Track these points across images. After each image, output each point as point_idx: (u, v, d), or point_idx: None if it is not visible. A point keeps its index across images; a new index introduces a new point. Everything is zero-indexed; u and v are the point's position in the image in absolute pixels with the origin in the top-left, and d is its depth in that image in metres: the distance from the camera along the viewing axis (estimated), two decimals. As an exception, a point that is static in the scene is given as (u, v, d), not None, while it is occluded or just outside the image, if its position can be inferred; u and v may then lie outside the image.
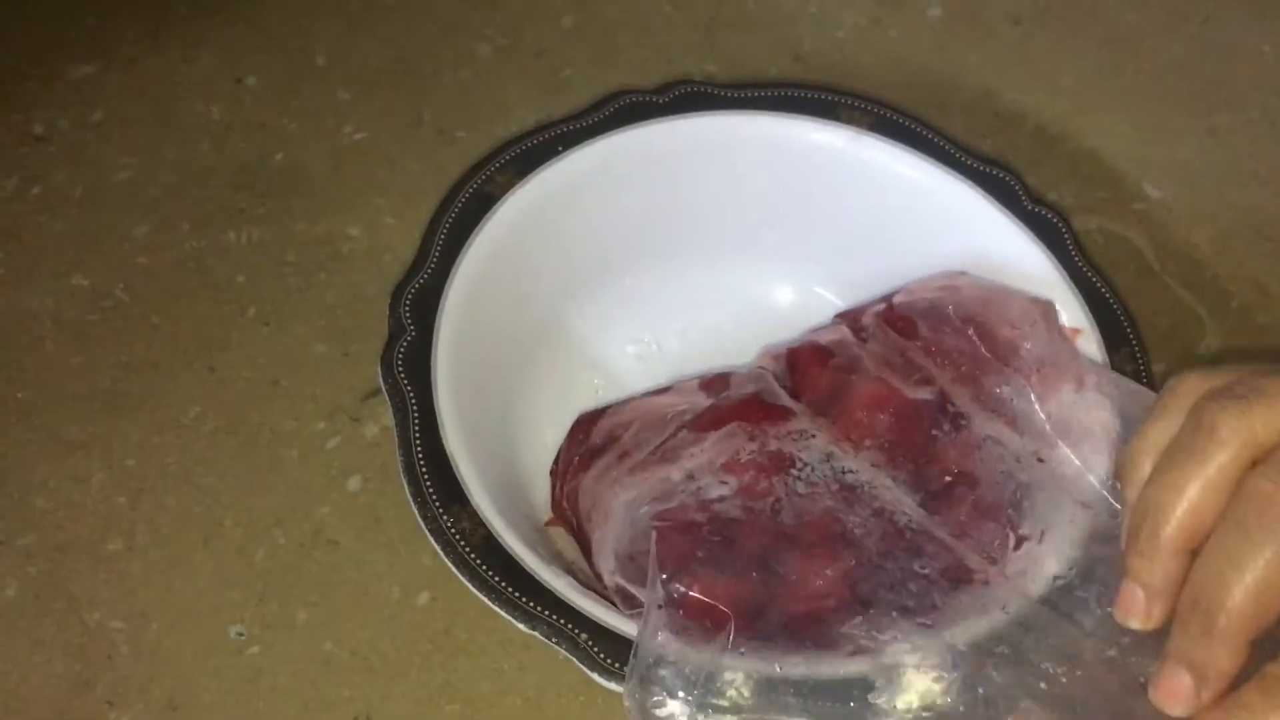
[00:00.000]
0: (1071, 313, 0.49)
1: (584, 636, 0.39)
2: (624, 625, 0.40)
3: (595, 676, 0.39)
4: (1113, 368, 0.47)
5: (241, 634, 0.49)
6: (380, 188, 0.62)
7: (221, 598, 0.50)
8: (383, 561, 0.51)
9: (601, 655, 0.39)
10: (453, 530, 0.41)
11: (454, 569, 0.40)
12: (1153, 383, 0.46)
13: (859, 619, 0.39)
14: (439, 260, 0.48)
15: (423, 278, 0.47)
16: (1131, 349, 0.48)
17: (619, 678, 0.38)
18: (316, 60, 0.68)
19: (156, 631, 0.49)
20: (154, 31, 0.68)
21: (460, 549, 0.41)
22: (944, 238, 0.51)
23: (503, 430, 0.48)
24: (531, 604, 0.40)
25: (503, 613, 0.40)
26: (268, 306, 0.58)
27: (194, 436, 0.54)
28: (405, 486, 0.41)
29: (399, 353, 0.45)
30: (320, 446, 0.54)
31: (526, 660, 0.49)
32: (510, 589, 0.40)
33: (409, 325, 0.46)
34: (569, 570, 0.42)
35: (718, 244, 0.55)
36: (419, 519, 0.41)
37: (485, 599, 0.40)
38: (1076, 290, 0.49)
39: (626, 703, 0.37)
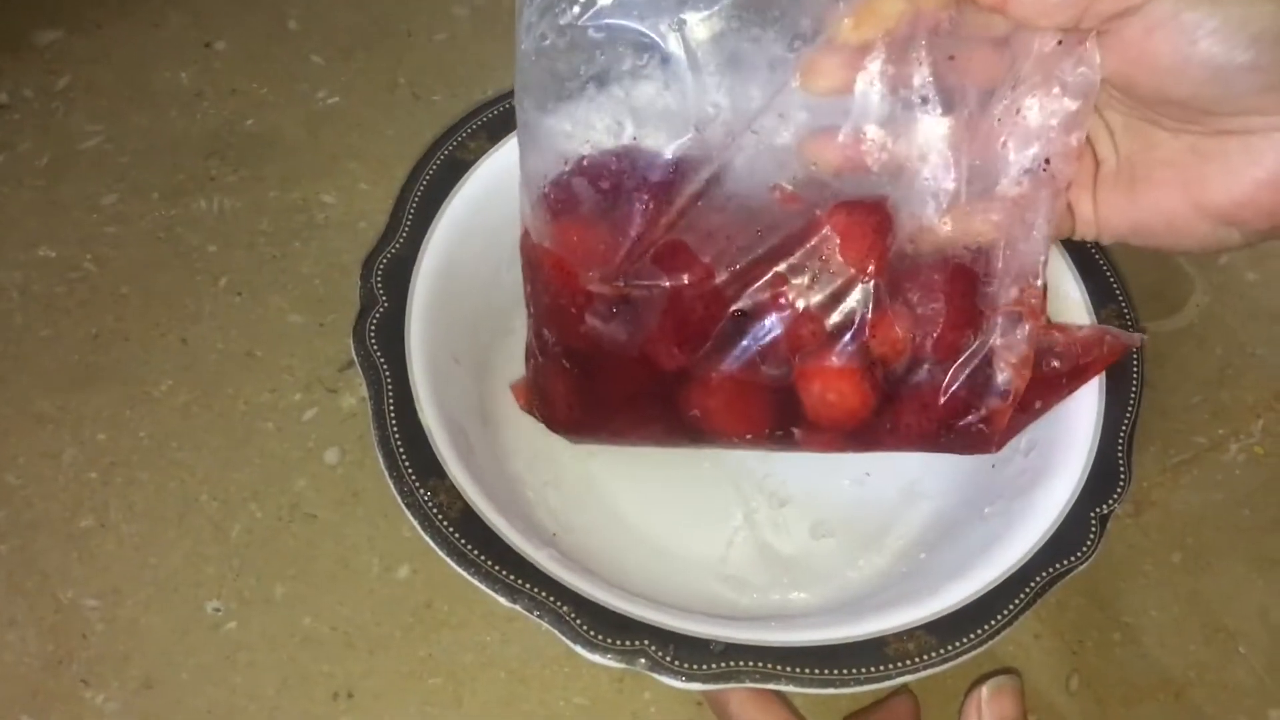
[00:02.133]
0: (1057, 269, 0.48)
1: (566, 609, 0.38)
2: (606, 597, 0.39)
3: (578, 649, 0.38)
4: (1099, 322, 0.46)
5: (218, 610, 0.49)
6: (355, 154, 0.61)
7: (198, 573, 0.49)
8: (362, 535, 0.50)
9: (584, 627, 0.38)
10: (430, 504, 0.40)
11: (432, 544, 0.39)
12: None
13: None
14: (411, 229, 0.46)
15: (394, 247, 0.46)
16: (1119, 306, 0.47)
17: (602, 649, 0.38)
18: (288, 24, 0.66)
19: (131, 608, 0.48)
20: (120, -5, 0.66)
21: (438, 523, 0.40)
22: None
23: (479, 401, 0.47)
24: (512, 577, 0.39)
25: (483, 587, 0.39)
26: (241, 276, 0.57)
27: (167, 410, 0.53)
28: (380, 460, 0.40)
29: (371, 324, 0.44)
30: (297, 418, 0.53)
31: (510, 632, 0.48)
32: (490, 563, 0.39)
33: (381, 296, 0.44)
34: (550, 542, 0.41)
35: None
36: (395, 494, 0.40)
37: (465, 573, 0.39)
38: (1062, 246, 0.48)
39: None
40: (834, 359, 0.41)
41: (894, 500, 0.48)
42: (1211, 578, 0.51)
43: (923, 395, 0.42)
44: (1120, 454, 0.43)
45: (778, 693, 0.39)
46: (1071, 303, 0.47)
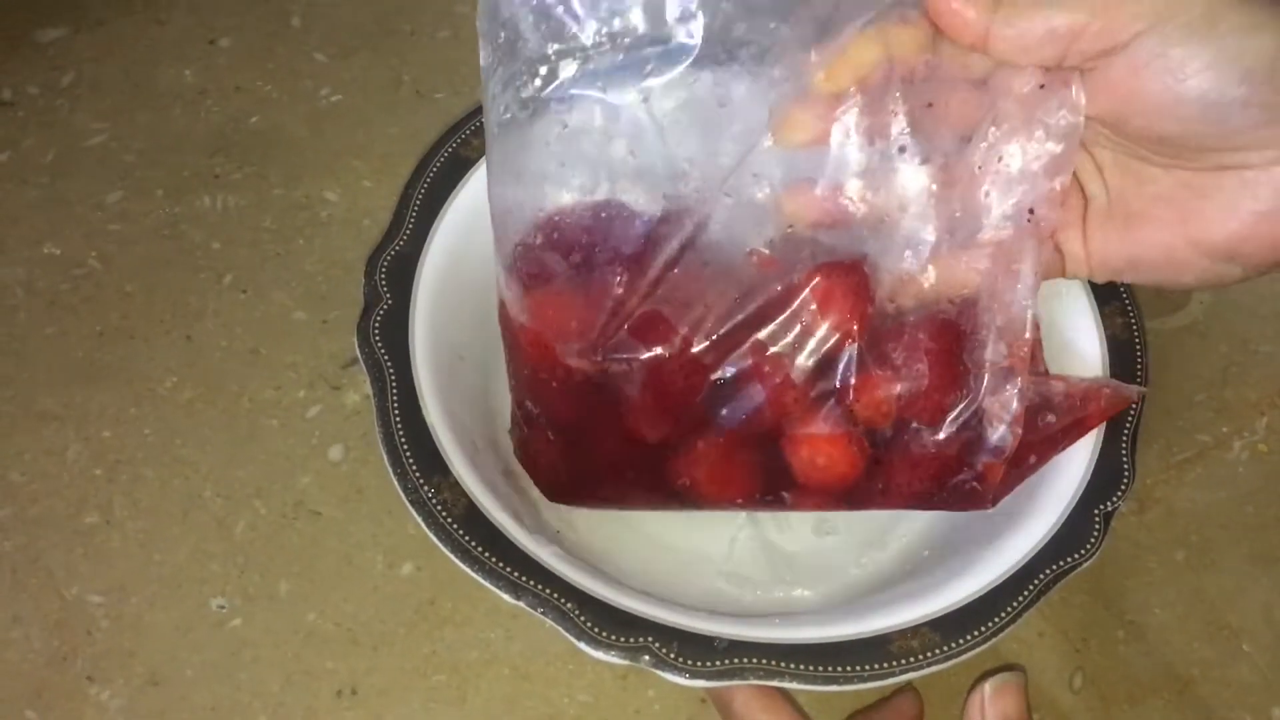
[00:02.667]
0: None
1: (570, 606, 0.38)
2: (610, 594, 0.39)
3: (582, 645, 0.38)
4: (1102, 320, 0.46)
5: (223, 606, 0.49)
6: (359, 151, 0.61)
7: (202, 570, 0.49)
8: (366, 531, 0.50)
9: (589, 624, 0.38)
10: (434, 502, 0.40)
11: (436, 541, 0.39)
12: (1144, 338, 0.46)
13: None
14: (414, 226, 0.46)
15: (398, 244, 0.46)
16: (1122, 303, 0.47)
17: (606, 646, 0.38)
18: (292, 21, 0.66)
19: (136, 605, 0.48)
20: (124, -7, 0.67)
21: (442, 520, 0.40)
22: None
23: (484, 399, 0.47)
24: (516, 574, 0.39)
25: (487, 584, 0.39)
26: (245, 273, 0.57)
27: (171, 407, 0.53)
28: (385, 458, 0.40)
29: (375, 322, 0.44)
30: (301, 415, 0.53)
31: (514, 629, 0.49)
32: (494, 560, 0.39)
33: (385, 293, 0.44)
34: (554, 539, 0.41)
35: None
36: (399, 491, 0.40)
37: (469, 570, 0.39)
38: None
39: None
40: (820, 425, 0.40)
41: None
42: (1215, 575, 0.51)
43: (912, 456, 0.41)
44: (1124, 452, 0.43)
45: (782, 691, 0.39)
46: (1073, 299, 0.47)
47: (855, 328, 0.39)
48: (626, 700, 0.48)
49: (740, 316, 0.39)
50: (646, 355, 0.40)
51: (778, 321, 0.39)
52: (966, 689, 0.39)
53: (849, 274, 0.39)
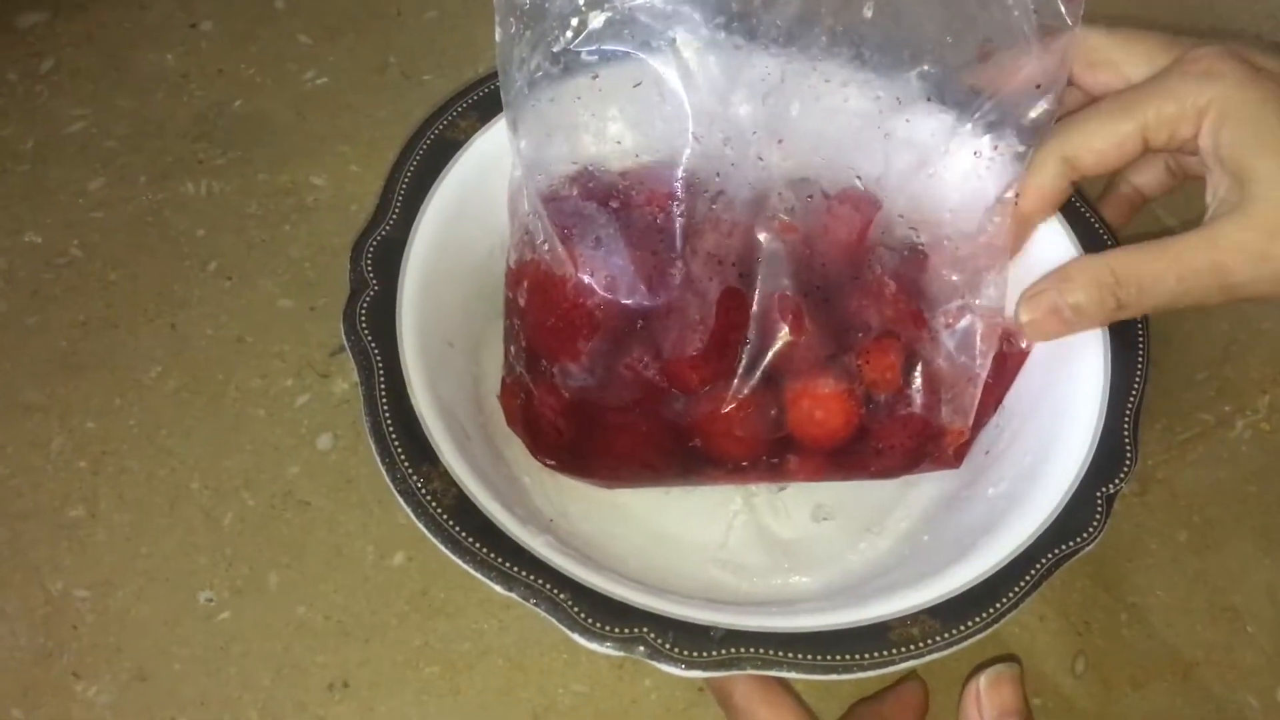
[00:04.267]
0: (1054, 234, 0.46)
1: (563, 596, 0.38)
2: (604, 584, 0.38)
3: (576, 637, 0.37)
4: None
5: (211, 599, 0.48)
6: (345, 135, 0.60)
7: (190, 562, 0.48)
8: (356, 521, 0.50)
9: (582, 615, 0.37)
10: (423, 492, 0.39)
11: (426, 532, 0.38)
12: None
13: None
14: (401, 211, 0.45)
15: (385, 229, 0.45)
16: None
17: (600, 637, 0.37)
18: (275, 3, 0.65)
19: (123, 599, 0.48)
20: (104, -24, 0.65)
21: (432, 511, 0.39)
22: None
23: (473, 385, 0.46)
24: (508, 565, 0.38)
25: (479, 575, 0.38)
26: (230, 260, 0.56)
27: (156, 397, 0.52)
28: (373, 447, 0.39)
29: (362, 308, 0.43)
30: (289, 404, 0.52)
31: (507, 620, 0.48)
32: (485, 550, 0.38)
33: (371, 280, 0.43)
34: (547, 529, 0.41)
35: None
36: (388, 481, 0.39)
37: (460, 562, 0.38)
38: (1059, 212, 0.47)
39: None
40: (827, 380, 0.43)
41: (894, 483, 0.48)
42: (1218, 556, 0.51)
43: (899, 416, 0.44)
44: (1126, 433, 0.42)
45: (782, 682, 0.39)
46: (1063, 254, 0.46)
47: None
48: (623, 691, 0.47)
49: (764, 276, 0.43)
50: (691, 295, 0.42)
51: (798, 280, 0.43)
52: (969, 675, 0.38)
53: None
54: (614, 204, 0.44)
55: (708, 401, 0.43)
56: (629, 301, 0.43)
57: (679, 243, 0.43)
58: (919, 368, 0.44)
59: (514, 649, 0.47)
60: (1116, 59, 0.43)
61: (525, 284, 0.44)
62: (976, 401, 0.44)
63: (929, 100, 0.45)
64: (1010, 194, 0.43)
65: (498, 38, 0.42)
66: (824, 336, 0.43)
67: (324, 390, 0.53)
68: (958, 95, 0.44)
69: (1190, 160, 0.44)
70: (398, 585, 0.48)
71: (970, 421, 0.45)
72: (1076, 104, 0.45)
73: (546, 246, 0.43)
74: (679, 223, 0.43)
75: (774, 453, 0.45)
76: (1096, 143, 0.42)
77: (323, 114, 0.61)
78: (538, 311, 0.44)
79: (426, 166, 0.46)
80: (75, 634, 0.47)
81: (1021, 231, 0.44)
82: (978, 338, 0.44)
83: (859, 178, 0.45)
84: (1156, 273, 0.40)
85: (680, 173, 0.43)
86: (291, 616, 0.48)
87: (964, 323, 0.44)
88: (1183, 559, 0.50)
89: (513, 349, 0.45)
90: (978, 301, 0.44)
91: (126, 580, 0.48)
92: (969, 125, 0.44)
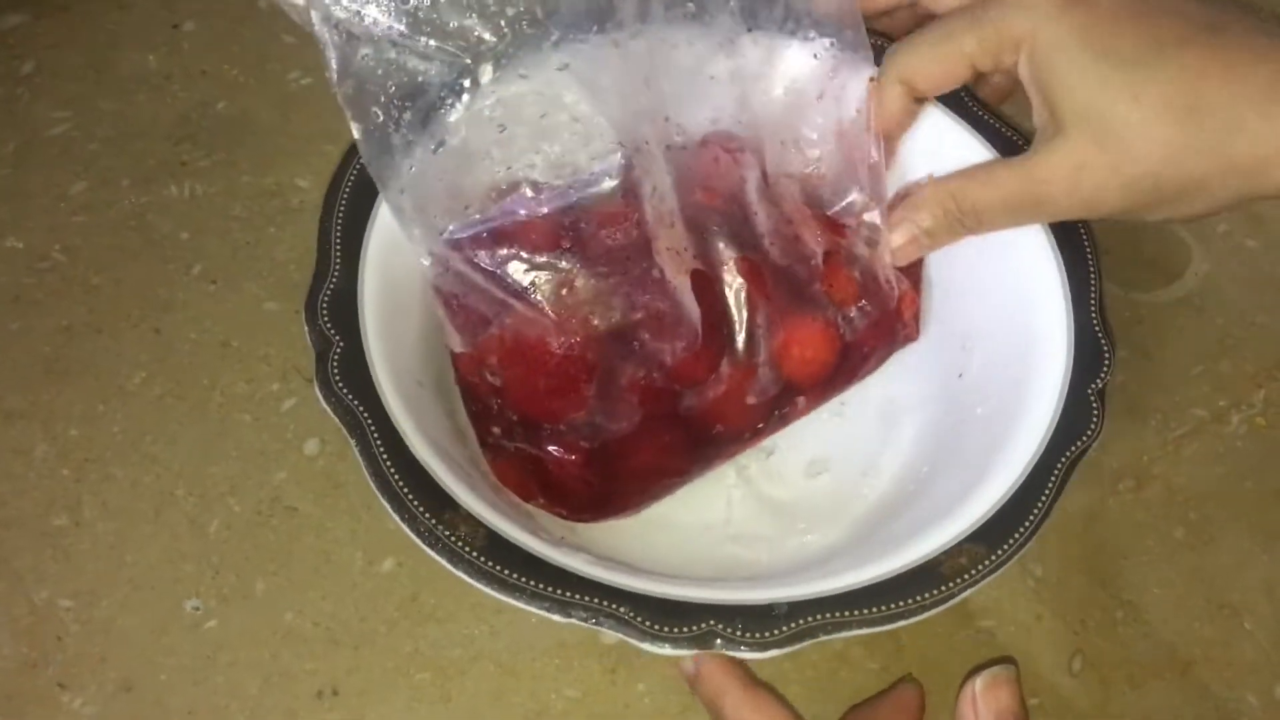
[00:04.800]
0: (1035, 235, 0.47)
1: (624, 610, 0.37)
2: (657, 587, 0.38)
3: (647, 646, 0.36)
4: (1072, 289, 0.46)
5: (198, 608, 0.47)
6: (330, 135, 0.59)
7: (175, 571, 0.48)
8: (344, 528, 0.49)
9: (647, 623, 0.37)
10: (453, 539, 0.38)
11: (466, 577, 0.37)
12: (1102, 302, 0.45)
13: None
14: (342, 260, 0.44)
15: (333, 282, 0.43)
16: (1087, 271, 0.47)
17: (673, 641, 0.36)
18: (258, 2, 0.64)
19: (108, 608, 0.47)
20: (84, -23, 0.65)
21: (469, 556, 0.38)
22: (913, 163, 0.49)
23: (449, 419, 0.44)
24: (559, 592, 0.37)
25: (533, 609, 0.37)
26: (214, 264, 0.55)
27: (141, 403, 0.52)
28: (386, 506, 0.39)
29: (333, 368, 0.42)
30: (275, 409, 0.52)
31: (498, 625, 0.47)
32: (533, 583, 0.37)
33: (334, 336, 0.42)
34: (579, 548, 0.40)
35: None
36: (412, 535, 0.38)
37: (510, 599, 0.37)
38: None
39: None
40: (804, 319, 0.45)
41: (875, 423, 0.49)
42: (1215, 553, 0.50)
43: (870, 317, 0.46)
44: (1097, 326, 0.44)
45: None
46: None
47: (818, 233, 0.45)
48: (615, 695, 0.46)
49: (720, 243, 0.44)
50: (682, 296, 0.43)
51: (755, 236, 0.45)
52: (965, 677, 0.38)
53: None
54: (565, 243, 0.43)
55: (713, 385, 0.44)
56: (618, 325, 0.43)
57: (651, 248, 0.43)
58: (858, 267, 0.46)
59: (506, 654, 0.47)
60: None
61: (495, 360, 0.43)
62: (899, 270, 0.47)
63: (749, 31, 0.46)
64: (858, 84, 0.45)
65: (357, 134, 0.42)
66: (782, 280, 0.45)
67: (310, 395, 0.51)
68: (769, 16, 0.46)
69: None
70: (387, 591, 0.48)
71: (910, 285, 0.47)
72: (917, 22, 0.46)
73: (508, 318, 0.43)
74: (644, 230, 0.43)
75: (780, 404, 0.46)
76: (927, 67, 0.43)
77: (307, 114, 0.60)
78: (523, 382, 0.43)
79: (354, 210, 0.46)
80: (60, 644, 0.46)
81: (890, 148, 0.46)
82: (880, 220, 0.46)
83: (740, 122, 0.46)
84: (988, 201, 0.42)
85: (618, 184, 0.44)
86: (279, 624, 0.47)
87: (869, 215, 0.46)
88: (1179, 556, 0.50)
89: (497, 429, 0.44)
90: (866, 192, 0.46)
91: (111, 589, 0.47)
92: (790, 40, 0.46)
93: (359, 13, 0.40)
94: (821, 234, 0.46)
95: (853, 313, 0.46)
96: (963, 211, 0.43)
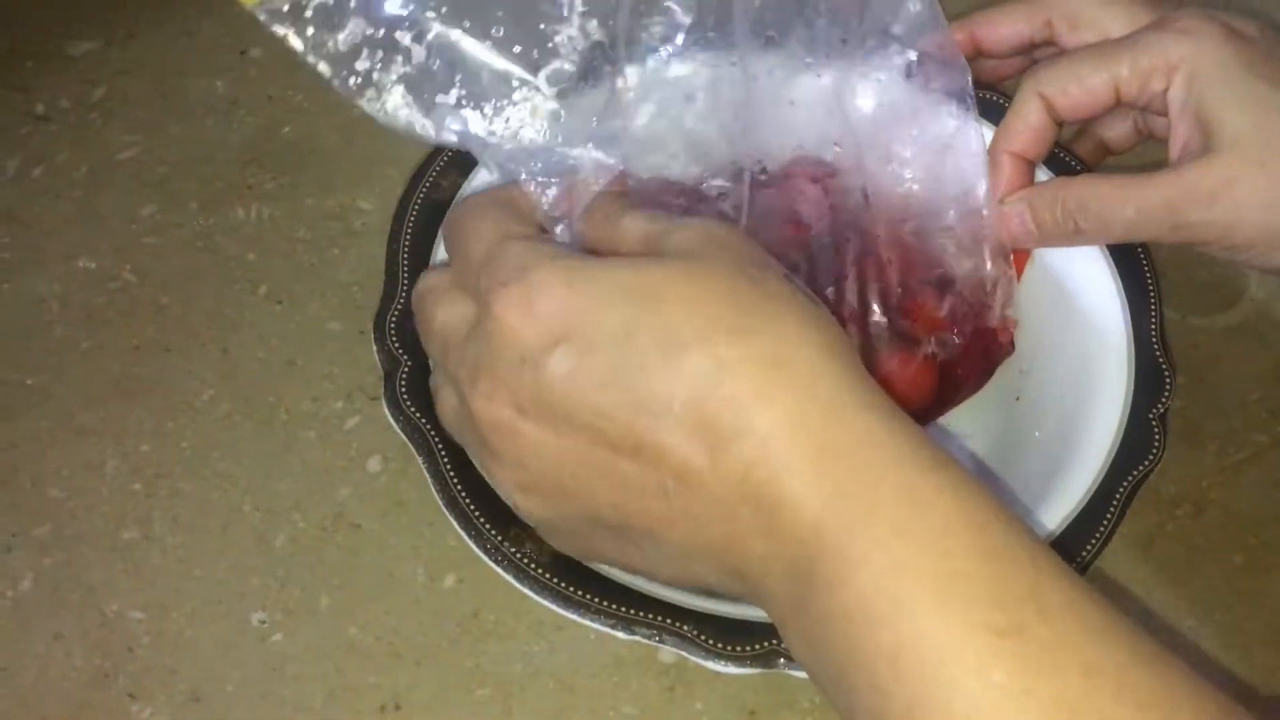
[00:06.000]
0: (1095, 260, 0.47)
1: (687, 628, 0.38)
2: (718, 606, 0.38)
3: (711, 664, 0.37)
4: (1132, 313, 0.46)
5: (264, 621, 0.48)
6: (392, 159, 0.61)
7: (242, 584, 0.49)
8: (406, 544, 0.50)
9: (711, 641, 0.37)
10: (518, 555, 0.39)
11: (532, 594, 0.38)
12: (1163, 327, 0.46)
13: None
14: (409, 281, 0.45)
15: (400, 303, 0.45)
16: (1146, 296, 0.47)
17: (737, 659, 0.37)
18: (322, 30, 0.66)
19: (177, 621, 0.48)
20: (154, 4, 0.66)
21: (534, 573, 0.39)
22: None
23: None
24: (624, 609, 0.38)
25: (599, 626, 0.38)
26: (280, 284, 0.57)
27: (208, 420, 0.53)
28: (454, 522, 0.40)
29: (401, 387, 0.43)
30: (339, 427, 0.53)
31: (557, 641, 0.48)
32: (598, 600, 0.38)
33: (401, 355, 0.44)
34: None
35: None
36: (478, 552, 0.39)
37: (577, 616, 0.38)
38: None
39: None
40: (891, 358, 0.44)
41: None
42: (1276, 579, 0.50)
43: (964, 345, 0.45)
44: (1158, 351, 0.44)
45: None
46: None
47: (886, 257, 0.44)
48: (672, 712, 0.47)
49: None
50: None
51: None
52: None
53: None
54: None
55: None
56: None
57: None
58: (949, 296, 0.46)
59: (565, 671, 0.47)
60: (1100, 18, 0.45)
61: None
62: (1009, 287, 0.46)
63: (842, 43, 0.46)
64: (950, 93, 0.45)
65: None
66: (870, 314, 0.45)
67: (374, 413, 0.53)
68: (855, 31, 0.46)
69: (1157, 121, 0.46)
70: (448, 607, 0.48)
71: (1011, 308, 0.47)
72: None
73: None
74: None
75: None
76: (1071, 87, 0.43)
77: (369, 138, 0.62)
78: None
79: (421, 232, 0.47)
80: (130, 655, 0.47)
81: (1015, 170, 0.46)
82: (976, 241, 0.45)
83: (833, 144, 0.46)
84: (1117, 202, 0.42)
85: (712, 207, 0.44)
86: (343, 638, 0.48)
87: (962, 230, 0.45)
88: (1239, 582, 0.50)
89: None
90: (961, 212, 0.46)
91: (181, 602, 0.48)
92: (877, 55, 0.46)
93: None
94: (901, 262, 0.45)
95: (947, 338, 0.46)
96: (1082, 209, 0.43)
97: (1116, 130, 0.49)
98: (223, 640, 0.48)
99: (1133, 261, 0.46)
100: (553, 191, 0.38)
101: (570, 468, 0.34)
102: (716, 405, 0.31)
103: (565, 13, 0.38)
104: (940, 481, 0.30)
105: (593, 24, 0.39)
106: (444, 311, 0.37)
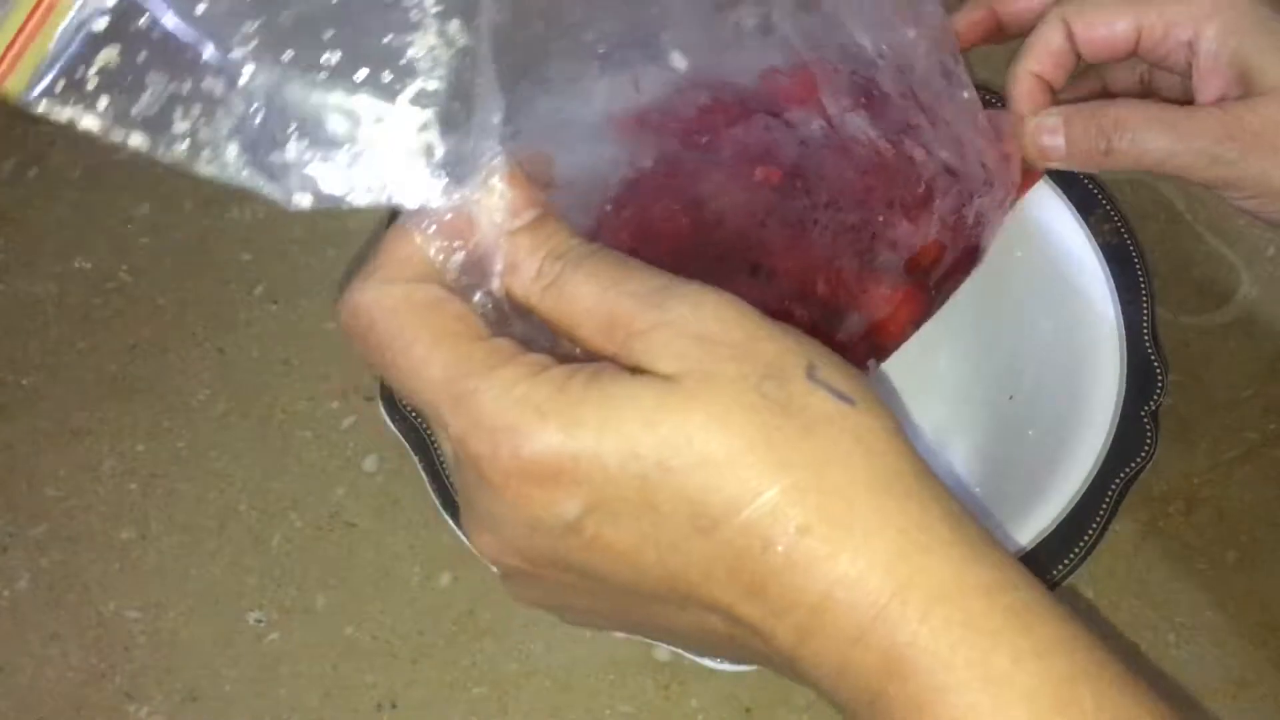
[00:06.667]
0: (1088, 258, 0.47)
1: None
2: None
3: (705, 661, 0.38)
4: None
5: (260, 620, 0.48)
6: (387, 159, 0.61)
7: (239, 584, 0.49)
8: (402, 543, 0.50)
9: None
10: None
11: None
12: (1155, 325, 0.46)
13: None
14: None
15: None
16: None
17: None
18: (317, 30, 0.66)
19: (173, 620, 0.48)
20: (150, 6, 0.66)
21: None
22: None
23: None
24: None
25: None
26: (275, 284, 0.57)
27: (205, 419, 0.53)
28: (450, 521, 0.40)
29: None
30: (335, 426, 0.53)
31: (553, 640, 0.48)
32: None
33: None
34: None
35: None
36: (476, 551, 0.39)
37: None
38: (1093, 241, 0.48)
39: None
40: (884, 289, 0.41)
41: (926, 445, 0.49)
42: (1268, 576, 0.50)
43: (955, 259, 0.43)
44: (1150, 350, 0.44)
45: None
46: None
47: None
48: (669, 710, 0.47)
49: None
50: None
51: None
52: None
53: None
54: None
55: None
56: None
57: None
58: (933, 216, 0.42)
59: (561, 669, 0.47)
60: None
61: None
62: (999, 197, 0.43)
63: None
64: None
65: None
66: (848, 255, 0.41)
67: (369, 413, 0.53)
68: None
69: (1165, 79, 0.46)
70: (444, 606, 0.49)
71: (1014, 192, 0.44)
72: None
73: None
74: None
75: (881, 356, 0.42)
76: (1098, 22, 0.43)
77: (365, 139, 0.62)
78: None
79: None
80: (127, 654, 0.47)
81: (1038, 87, 0.44)
82: (956, 139, 0.43)
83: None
84: (1159, 128, 0.41)
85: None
86: (339, 637, 0.48)
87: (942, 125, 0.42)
88: (1231, 579, 0.50)
89: None
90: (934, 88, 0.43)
91: (177, 601, 0.48)
92: None
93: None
94: (895, 182, 0.41)
95: (940, 259, 0.42)
96: (1119, 126, 0.42)
97: (1122, 79, 0.49)
98: (219, 639, 0.48)
99: (1125, 260, 0.46)
100: (455, 245, 0.30)
101: (593, 602, 0.31)
102: (786, 578, 0.27)
103: (415, 16, 0.29)
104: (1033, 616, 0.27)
105: (453, 25, 0.29)
106: (417, 399, 0.30)
